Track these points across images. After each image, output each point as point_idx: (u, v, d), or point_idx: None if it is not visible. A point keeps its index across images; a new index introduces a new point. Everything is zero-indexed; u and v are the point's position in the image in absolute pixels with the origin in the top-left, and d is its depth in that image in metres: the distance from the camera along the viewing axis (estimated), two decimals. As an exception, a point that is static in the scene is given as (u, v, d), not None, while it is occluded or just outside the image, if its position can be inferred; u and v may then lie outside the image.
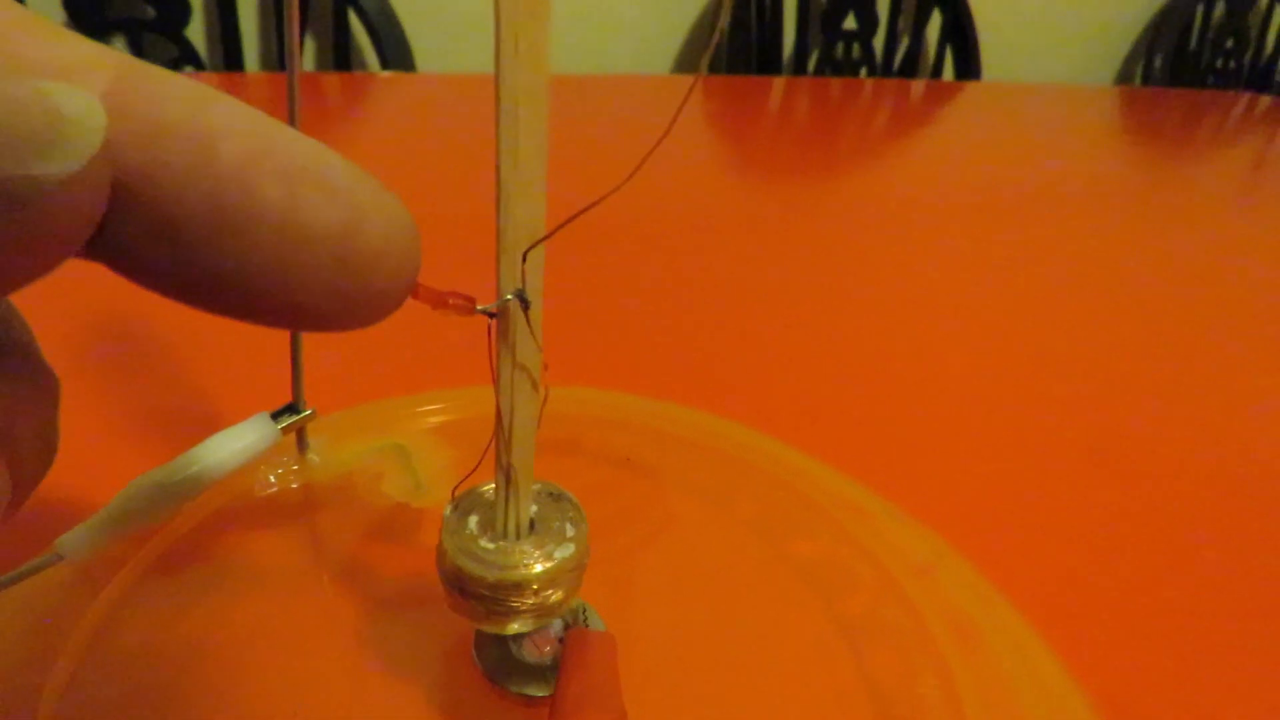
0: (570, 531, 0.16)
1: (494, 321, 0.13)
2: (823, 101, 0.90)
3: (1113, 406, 0.31)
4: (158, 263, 0.09)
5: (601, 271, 0.40)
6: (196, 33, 1.04)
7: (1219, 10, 1.52)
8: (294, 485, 0.22)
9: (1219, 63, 1.55)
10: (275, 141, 0.09)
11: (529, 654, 0.17)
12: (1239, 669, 0.20)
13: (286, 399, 0.20)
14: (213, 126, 0.09)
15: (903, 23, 1.33)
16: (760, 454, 0.25)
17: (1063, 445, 0.29)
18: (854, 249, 0.47)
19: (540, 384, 0.14)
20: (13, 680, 0.16)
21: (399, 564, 0.20)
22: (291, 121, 0.17)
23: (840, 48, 1.29)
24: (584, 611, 0.18)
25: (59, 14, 0.96)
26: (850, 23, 1.28)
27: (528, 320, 0.13)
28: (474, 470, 0.15)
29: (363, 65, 1.08)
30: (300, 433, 0.21)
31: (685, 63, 1.29)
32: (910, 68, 1.34)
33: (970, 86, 1.14)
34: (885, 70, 1.33)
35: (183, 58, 1.01)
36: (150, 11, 0.99)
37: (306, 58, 1.08)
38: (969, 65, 1.30)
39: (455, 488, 0.16)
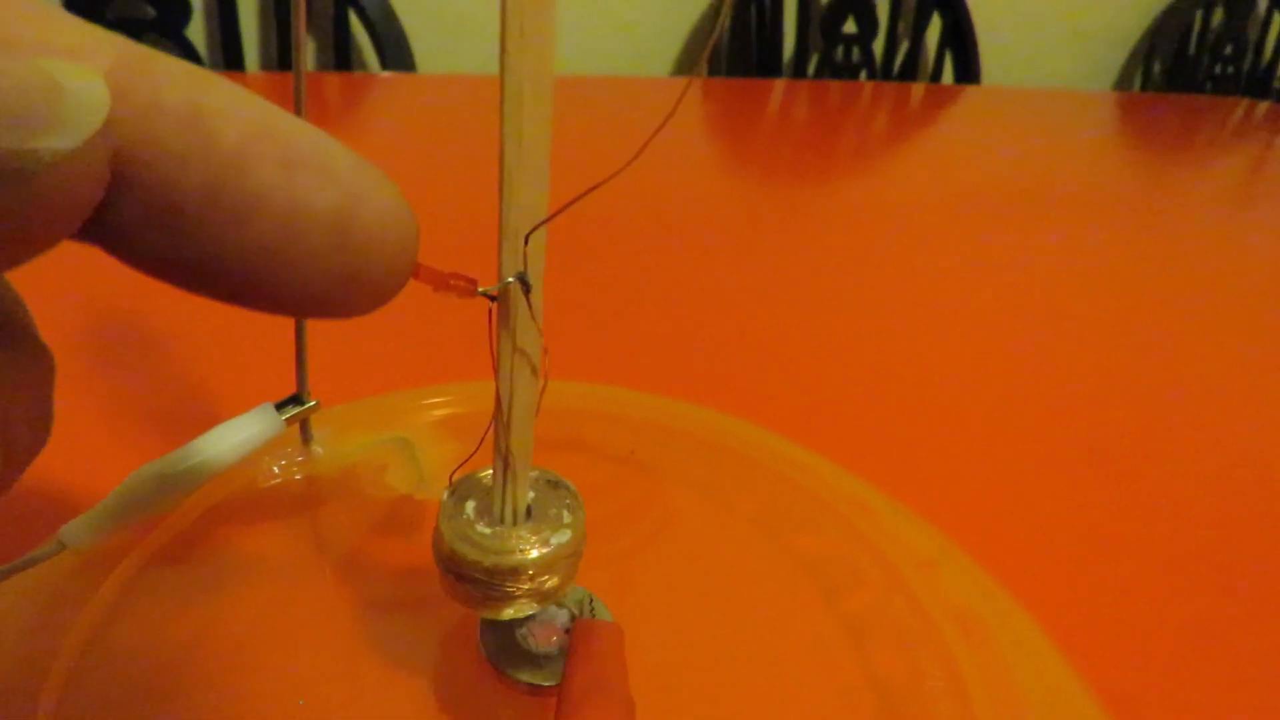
0: (567, 518, 0.16)
1: (494, 306, 0.13)
2: (822, 104, 0.90)
3: (1114, 405, 0.32)
4: (155, 246, 0.09)
5: (604, 270, 0.40)
6: (197, 33, 1.04)
7: (1218, 16, 1.52)
8: (298, 477, 0.22)
9: (1217, 68, 1.55)
10: (274, 126, 0.09)
11: (536, 644, 0.17)
12: (1243, 665, 0.20)
13: (291, 390, 0.20)
14: (212, 109, 0.09)
15: (902, 26, 1.33)
16: (764, 450, 0.25)
17: (1065, 442, 0.29)
18: (854, 250, 0.47)
19: (540, 370, 0.14)
20: (15, 669, 0.16)
21: (403, 556, 0.20)
22: (298, 111, 0.17)
23: (840, 51, 1.29)
24: (591, 602, 0.18)
25: (60, 15, 0.96)
26: (850, 26, 1.29)
27: (529, 303, 0.13)
28: (472, 455, 0.15)
29: (363, 65, 1.08)
30: (304, 424, 0.21)
31: (685, 64, 1.30)
32: (910, 71, 1.34)
33: (969, 90, 1.14)
34: (885, 74, 1.33)
35: (183, 58, 1.02)
36: (150, 12, 0.99)
37: (307, 58, 1.08)
38: (968, 69, 1.30)
39: (453, 473, 0.16)
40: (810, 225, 0.50)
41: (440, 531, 0.15)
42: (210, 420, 0.19)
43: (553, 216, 0.12)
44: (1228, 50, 1.55)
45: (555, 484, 0.17)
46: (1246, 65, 1.57)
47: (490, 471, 0.16)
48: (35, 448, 0.10)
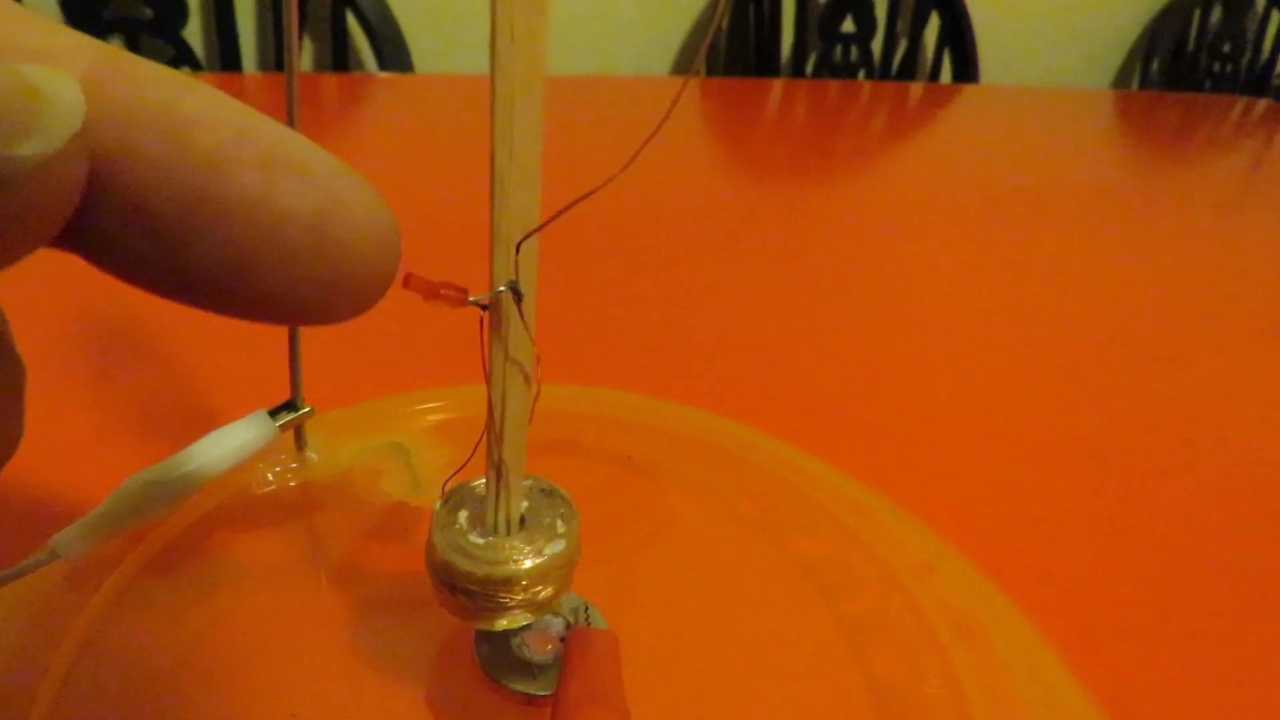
0: (561, 528, 0.15)
1: (486, 314, 0.13)
2: (821, 104, 0.90)
3: (1111, 406, 0.31)
4: (133, 252, 0.09)
5: (602, 272, 0.40)
6: (194, 34, 1.04)
7: (1216, 14, 1.52)
8: (292, 483, 0.21)
9: (1216, 66, 1.55)
10: (251, 129, 0.09)
11: (531, 652, 0.17)
12: (1241, 667, 0.20)
13: (285, 396, 0.20)
14: (189, 113, 0.09)
15: (901, 26, 1.33)
16: (761, 453, 0.25)
17: (1063, 444, 0.29)
18: (852, 250, 0.47)
19: (533, 378, 0.14)
20: (8, 679, 0.16)
21: (398, 562, 0.20)
22: (290, 119, 0.17)
23: (838, 50, 1.29)
24: (586, 610, 0.18)
25: (55, 14, 0.96)
26: (848, 25, 1.29)
27: (520, 313, 0.13)
28: (465, 465, 0.15)
29: (360, 66, 1.08)
30: (298, 430, 0.21)
31: (684, 64, 1.30)
32: (908, 70, 1.34)
33: (968, 89, 1.14)
34: (883, 73, 1.33)
35: (180, 58, 1.02)
36: (148, 12, 0.99)
37: (304, 59, 1.08)
38: (967, 68, 1.30)
39: (445, 482, 0.16)
40: (808, 225, 0.50)
41: (433, 542, 0.15)
42: (204, 427, 0.18)
43: (545, 225, 0.12)
44: (1226, 48, 1.55)
45: (549, 493, 0.17)
46: (1245, 63, 1.57)
47: (484, 481, 0.15)
48: (3, 457, 0.10)
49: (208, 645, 0.17)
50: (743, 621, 0.20)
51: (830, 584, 0.21)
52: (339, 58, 1.04)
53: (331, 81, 0.84)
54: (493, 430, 0.15)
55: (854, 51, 1.30)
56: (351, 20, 1.02)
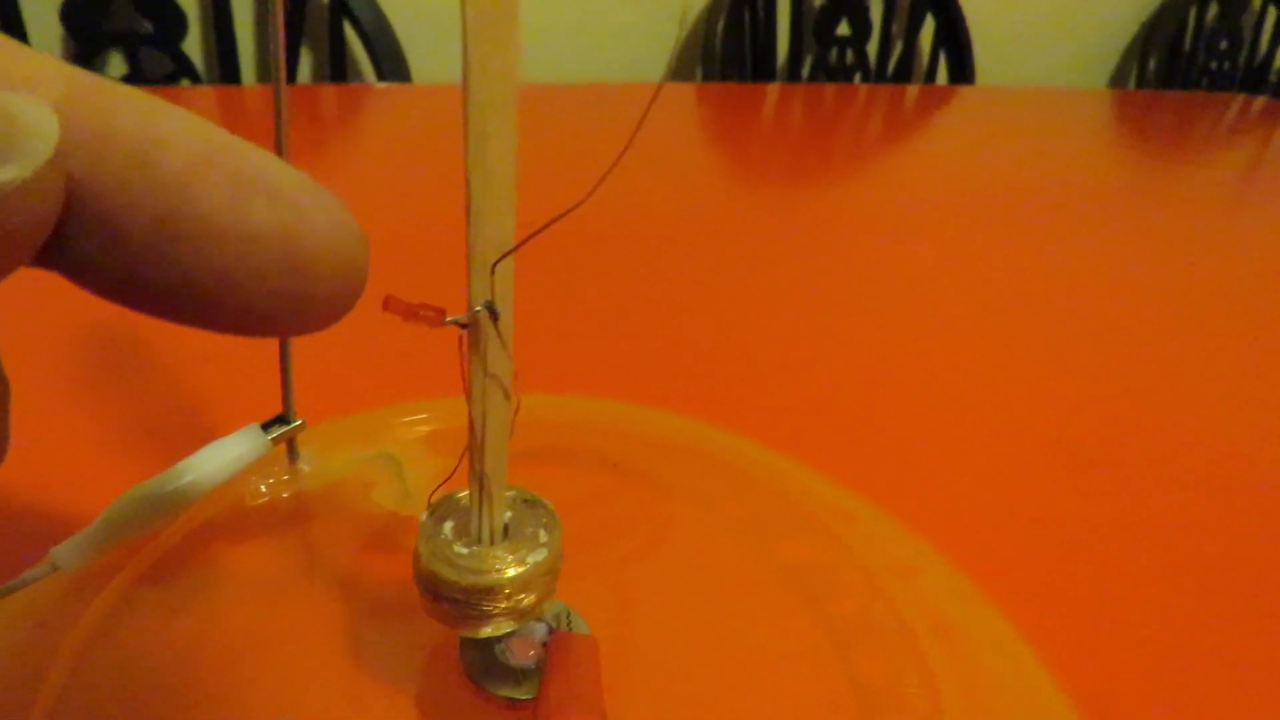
0: (544, 537, 0.16)
1: (465, 332, 0.14)
2: (817, 108, 0.90)
3: (1099, 407, 0.32)
4: (109, 270, 0.09)
5: (595, 279, 0.40)
6: (193, 46, 1.05)
7: (1212, 11, 1.52)
8: (285, 495, 0.22)
9: (1213, 64, 1.55)
10: (220, 149, 0.09)
11: (514, 658, 0.18)
12: (1221, 670, 0.21)
13: (277, 410, 0.20)
14: (159, 135, 0.09)
15: (896, 28, 1.34)
16: (747, 458, 0.26)
17: (1048, 447, 0.29)
18: (847, 255, 0.47)
19: (512, 393, 0.14)
20: (8, 688, 0.16)
21: (389, 571, 0.20)
22: (278, 128, 0.17)
23: (834, 54, 1.30)
24: (568, 615, 0.19)
25: (56, 28, 0.97)
26: (843, 29, 1.29)
27: (497, 330, 0.13)
28: (449, 477, 0.16)
29: (359, 76, 1.08)
30: (291, 443, 0.22)
31: (680, 70, 1.30)
32: (904, 73, 1.35)
33: (964, 91, 1.14)
34: (879, 76, 1.34)
35: (179, 71, 1.02)
36: (147, 26, 1.00)
37: (303, 70, 1.09)
38: (963, 70, 1.30)
39: (431, 494, 0.16)
40: (804, 230, 0.50)
41: (419, 552, 0.16)
42: (198, 441, 0.19)
43: (518, 247, 0.13)
44: (1223, 45, 1.55)
45: (532, 503, 0.17)
46: (1242, 60, 1.58)
47: (468, 492, 0.16)
48: None
49: (203, 652, 0.18)
50: (728, 625, 0.20)
51: (815, 588, 0.21)
52: (337, 68, 1.05)
53: (330, 92, 0.85)
54: (474, 444, 0.15)
55: (849, 54, 1.30)
56: (349, 31, 1.03)
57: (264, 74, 1.08)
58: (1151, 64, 1.50)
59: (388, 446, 0.23)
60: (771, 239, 0.48)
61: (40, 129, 0.08)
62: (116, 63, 1.02)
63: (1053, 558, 0.24)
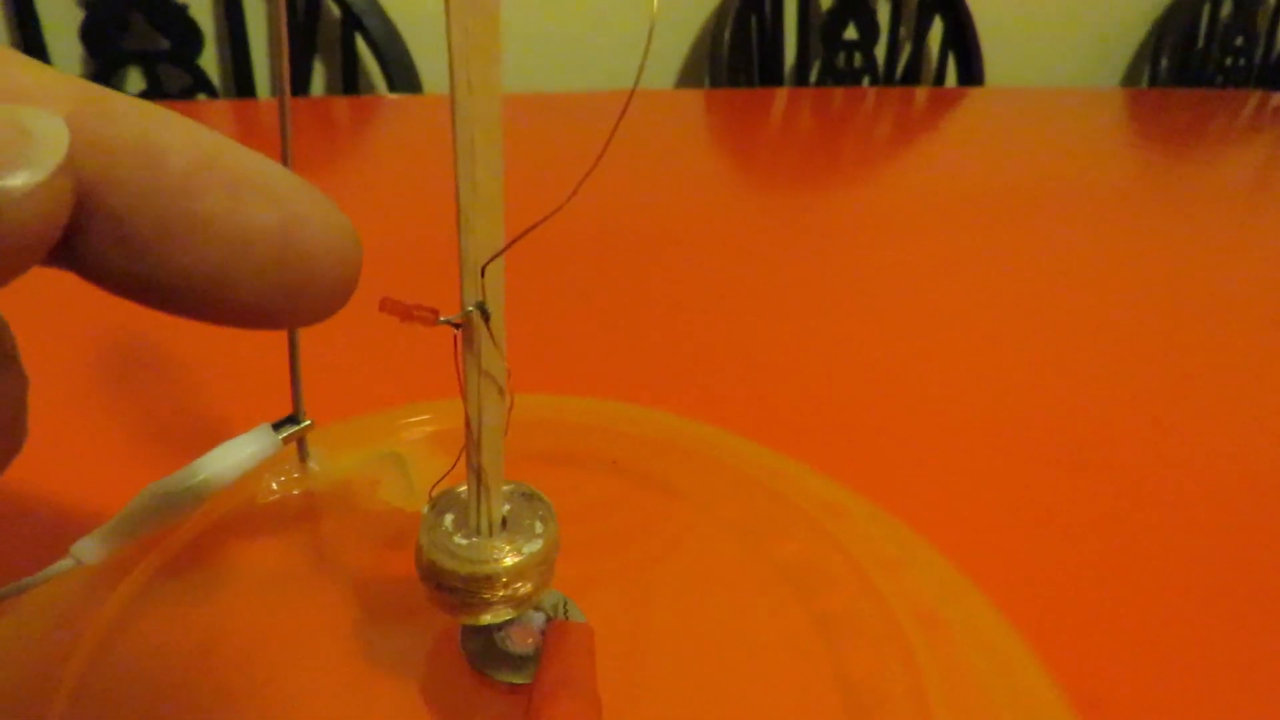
0: (539, 528, 0.17)
1: (460, 332, 0.14)
2: (825, 112, 0.90)
3: (1103, 407, 0.32)
4: (116, 267, 0.10)
5: (603, 282, 0.41)
6: (209, 62, 1.07)
7: (1226, 8, 1.52)
8: (295, 492, 0.23)
9: (1228, 61, 1.54)
10: (220, 154, 0.10)
11: (513, 645, 0.18)
12: (1213, 661, 0.21)
13: (287, 411, 0.21)
14: (162, 142, 0.10)
15: (904, 31, 1.34)
16: (742, 457, 0.26)
17: (1048, 444, 0.29)
18: (855, 258, 0.47)
19: (506, 390, 0.15)
20: (31, 677, 0.17)
21: (394, 565, 0.21)
22: (283, 133, 0.18)
23: (842, 57, 1.30)
24: (565, 605, 0.19)
25: (76, 47, 0.99)
26: (851, 32, 1.29)
27: (489, 330, 0.14)
28: (449, 472, 0.16)
29: (370, 88, 1.10)
30: (301, 442, 0.23)
31: (687, 78, 1.31)
32: (913, 75, 1.35)
33: (974, 92, 1.14)
34: (887, 79, 1.34)
35: (196, 86, 1.04)
36: (164, 43, 1.02)
37: (316, 82, 1.10)
38: (971, 71, 1.30)
39: (432, 488, 0.17)
40: (813, 234, 0.51)
41: (421, 543, 0.17)
42: (211, 441, 0.20)
43: (504, 250, 0.14)
44: (1238, 42, 1.54)
45: (530, 496, 0.18)
46: (1258, 56, 1.56)
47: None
48: (2, 465, 0.11)
49: (216, 642, 0.19)
50: (720, 620, 0.20)
51: (807, 583, 0.22)
52: (349, 80, 1.06)
53: (342, 104, 0.86)
54: (471, 439, 0.16)
55: (857, 58, 1.31)
56: (361, 43, 1.05)
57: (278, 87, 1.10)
58: (1164, 62, 1.49)
59: (394, 446, 0.24)
60: (780, 243, 0.48)
61: (51, 139, 0.09)
62: (135, 79, 1.04)
63: (1046, 552, 0.24)
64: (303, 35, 1.04)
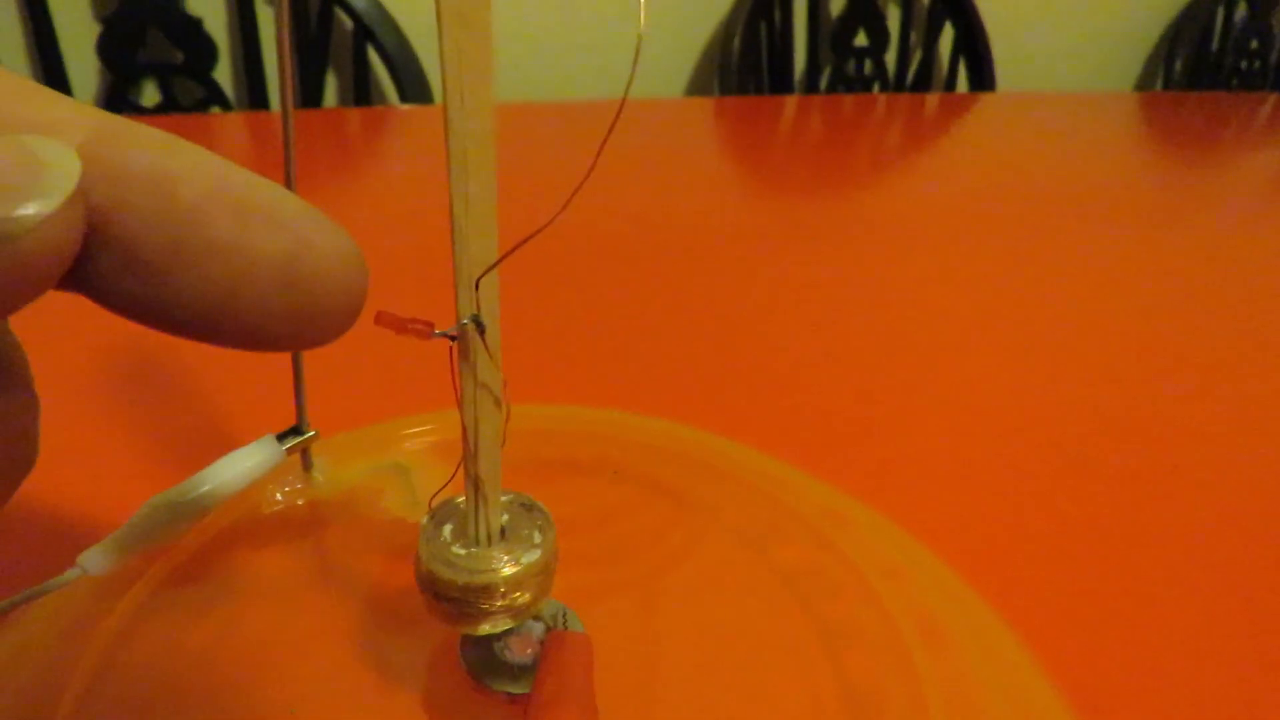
0: (538, 538, 0.17)
1: (455, 345, 0.14)
2: (836, 119, 0.90)
3: (1105, 413, 0.32)
4: (125, 292, 0.10)
5: (612, 290, 0.41)
6: (223, 75, 1.08)
7: (1240, 10, 1.51)
8: (299, 503, 0.23)
9: (1243, 64, 1.53)
10: (229, 182, 0.10)
11: (512, 655, 0.18)
12: (1214, 667, 0.21)
13: (291, 422, 0.21)
14: (172, 171, 0.10)
15: (914, 37, 1.34)
16: (743, 465, 0.26)
17: (1047, 449, 0.29)
18: (864, 264, 0.47)
19: (502, 401, 0.15)
20: (38, 685, 0.18)
21: (396, 575, 0.21)
22: (287, 150, 0.18)
23: (851, 64, 1.30)
24: (564, 615, 0.19)
25: (92, 60, 1.00)
26: (861, 39, 1.29)
27: (485, 342, 0.14)
28: (448, 483, 0.17)
29: (383, 99, 1.11)
30: (304, 453, 0.23)
31: (697, 85, 1.31)
32: (923, 82, 1.34)
33: (985, 98, 1.14)
34: (898, 85, 1.34)
35: (210, 99, 1.05)
36: (179, 56, 1.03)
37: (328, 93, 1.11)
38: (983, 77, 1.30)
39: (431, 499, 0.17)
40: (821, 241, 0.51)
41: (420, 553, 0.17)
42: (216, 451, 0.20)
43: (497, 263, 0.14)
44: (1253, 45, 1.53)
45: (528, 506, 0.18)
46: (1274, 59, 1.55)
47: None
48: (13, 485, 0.11)
49: (220, 651, 0.19)
50: (721, 627, 0.21)
51: (809, 591, 0.22)
52: (361, 91, 1.07)
53: (355, 115, 0.87)
54: (468, 450, 0.16)
55: (868, 65, 1.31)
56: (373, 54, 1.05)
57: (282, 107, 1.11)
58: (1178, 65, 1.48)
59: (397, 456, 0.24)
60: (788, 250, 0.48)
61: (63, 169, 0.09)
62: (150, 91, 1.05)
63: (1048, 560, 0.24)
64: (315, 47, 1.05)
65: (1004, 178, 0.68)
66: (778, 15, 1.23)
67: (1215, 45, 1.50)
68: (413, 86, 1.03)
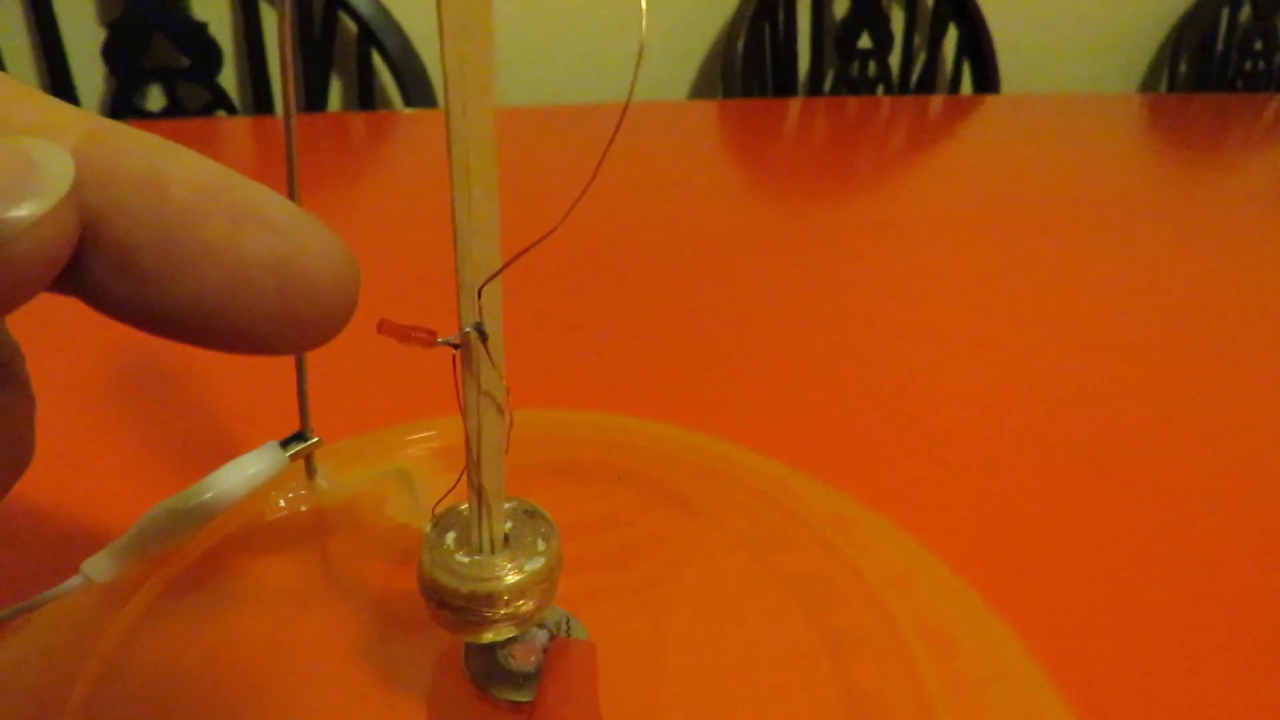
0: (541, 545, 0.17)
1: (459, 352, 0.14)
2: (840, 121, 0.90)
3: (1114, 419, 0.32)
4: (119, 294, 0.10)
5: (614, 294, 0.41)
6: (228, 79, 1.08)
7: (1245, 12, 1.50)
8: (303, 509, 0.23)
9: (1247, 65, 1.53)
10: (221, 185, 0.10)
11: (516, 663, 0.18)
12: (1225, 678, 0.21)
13: (295, 428, 0.21)
14: (164, 173, 0.10)
15: (918, 39, 1.34)
16: (748, 469, 0.26)
17: (1056, 456, 0.29)
18: (868, 268, 0.47)
19: (505, 408, 0.15)
20: (42, 693, 0.18)
21: (400, 582, 0.21)
22: (289, 149, 0.18)
23: (856, 66, 1.30)
24: (568, 622, 0.19)
25: (98, 65, 1.01)
26: (865, 41, 1.29)
27: (487, 350, 0.14)
28: (451, 490, 0.17)
29: (387, 103, 1.11)
30: (308, 459, 0.23)
31: (700, 88, 1.31)
32: (928, 83, 1.34)
33: (989, 100, 1.14)
34: (902, 87, 1.34)
35: (215, 103, 1.06)
36: (185, 60, 1.03)
37: (333, 98, 1.12)
38: (987, 79, 1.30)
39: (434, 506, 0.17)
40: (828, 244, 0.50)
41: (423, 561, 0.17)
42: (220, 458, 0.20)
43: (499, 271, 0.14)
44: (1258, 46, 1.53)
45: (532, 514, 0.18)
46: (1278, 60, 1.55)
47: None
48: (8, 482, 0.11)
49: (224, 658, 0.19)
50: (726, 633, 0.20)
51: (814, 597, 0.22)
52: (365, 95, 1.08)
53: (359, 119, 0.87)
54: (471, 458, 0.16)
55: (872, 67, 1.30)
56: (377, 59, 1.06)
57: (297, 102, 1.11)
58: (1183, 66, 1.48)
59: (400, 462, 0.24)
60: (792, 254, 0.48)
61: (56, 170, 0.09)
62: (156, 96, 1.06)
63: (1057, 569, 0.24)
64: (319, 50, 1.06)
65: (1009, 179, 0.68)
66: (781, 17, 1.23)
67: (1220, 47, 1.49)
68: (416, 90, 1.03)
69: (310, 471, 0.23)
